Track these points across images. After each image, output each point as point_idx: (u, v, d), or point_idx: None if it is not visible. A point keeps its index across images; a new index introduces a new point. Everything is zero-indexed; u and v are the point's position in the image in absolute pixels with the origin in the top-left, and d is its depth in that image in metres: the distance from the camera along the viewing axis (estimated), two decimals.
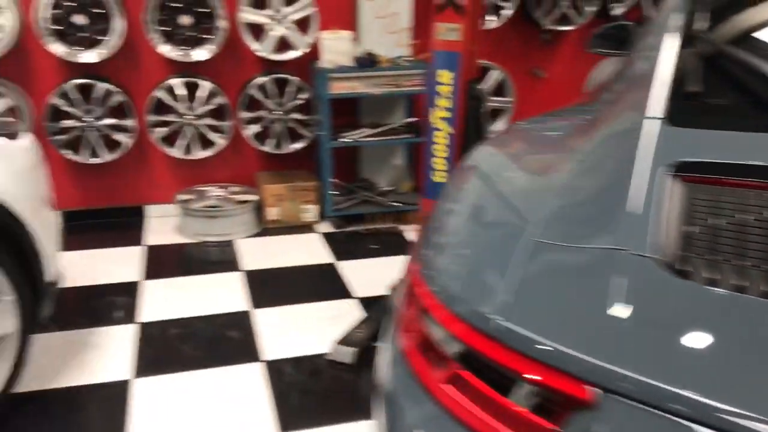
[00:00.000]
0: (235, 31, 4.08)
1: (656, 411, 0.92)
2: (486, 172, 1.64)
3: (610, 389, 0.95)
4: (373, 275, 3.63)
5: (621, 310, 1.03)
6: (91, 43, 3.90)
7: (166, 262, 3.87)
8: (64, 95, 3.98)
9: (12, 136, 2.48)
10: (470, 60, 2.97)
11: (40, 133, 3.85)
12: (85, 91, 4.00)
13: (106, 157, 4.15)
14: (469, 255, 1.34)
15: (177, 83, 4.12)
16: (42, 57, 3.99)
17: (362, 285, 3.55)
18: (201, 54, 4.05)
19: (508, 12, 4.51)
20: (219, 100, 4.19)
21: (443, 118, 3.01)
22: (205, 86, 4.15)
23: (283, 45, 4.17)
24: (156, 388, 2.66)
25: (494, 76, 4.64)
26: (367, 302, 3.34)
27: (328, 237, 4.22)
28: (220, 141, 4.29)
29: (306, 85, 4.30)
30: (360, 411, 2.57)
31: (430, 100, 3.02)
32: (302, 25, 4.17)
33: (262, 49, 4.14)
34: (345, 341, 2.91)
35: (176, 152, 4.26)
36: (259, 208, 4.32)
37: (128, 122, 4.12)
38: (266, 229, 4.32)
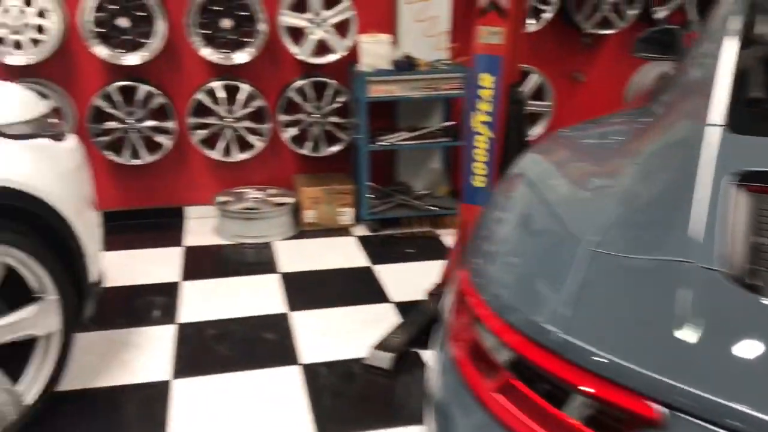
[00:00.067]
0: (274, 35, 4.10)
1: None
2: (534, 180, 1.61)
3: (678, 408, 0.92)
4: (410, 280, 3.61)
5: (688, 326, 1.00)
6: (133, 46, 3.95)
7: (204, 263, 3.90)
8: (107, 97, 4.04)
9: (58, 137, 2.52)
10: (512, 64, 2.94)
11: (83, 134, 3.90)
12: (127, 93, 4.06)
13: (147, 158, 4.20)
14: (521, 264, 1.31)
15: (217, 86, 4.15)
16: (86, 59, 4.05)
17: (398, 289, 3.53)
18: (241, 57, 4.07)
19: (548, 15, 4.46)
20: (258, 103, 4.22)
21: (484, 123, 2.97)
22: (244, 89, 4.17)
23: (322, 48, 4.18)
24: (195, 389, 2.68)
25: (533, 79, 4.59)
26: (404, 307, 3.32)
27: (364, 240, 4.21)
28: (258, 143, 4.32)
29: (344, 88, 4.30)
30: (398, 417, 2.56)
31: (471, 104, 2.99)
32: (341, 28, 4.17)
33: (301, 52, 4.15)
34: (382, 346, 2.89)
35: (215, 154, 4.30)
36: (296, 211, 4.33)
37: (169, 124, 4.16)
38: (303, 231, 4.32)
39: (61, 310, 2.38)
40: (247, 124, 4.26)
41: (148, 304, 3.39)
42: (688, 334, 0.99)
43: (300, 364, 2.86)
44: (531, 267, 1.28)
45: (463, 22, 4.29)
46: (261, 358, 2.90)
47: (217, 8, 3.97)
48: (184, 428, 2.45)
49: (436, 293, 3.18)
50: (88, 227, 2.52)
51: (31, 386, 2.36)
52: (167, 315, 3.26)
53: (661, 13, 4.61)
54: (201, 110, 4.20)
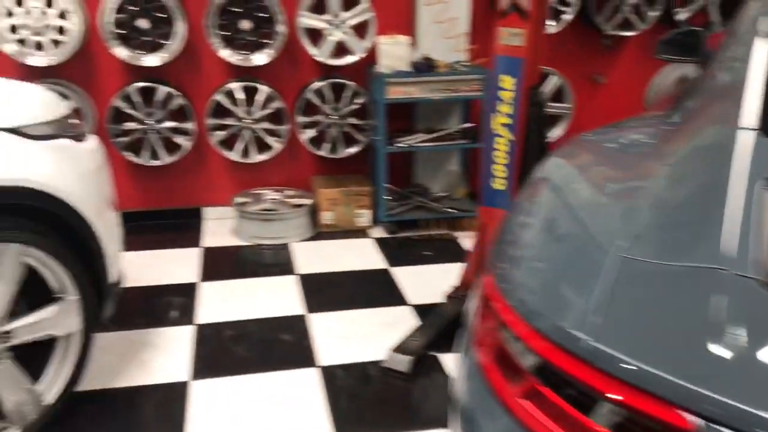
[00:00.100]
0: (293, 36, 4.10)
1: None
2: (558, 185, 1.59)
3: (714, 419, 0.90)
4: (427, 282, 3.59)
5: (723, 334, 0.97)
6: (153, 47, 3.96)
7: (222, 264, 3.91)
8: (127, 98, 4.05)
9: (79, 138, 2.52)
10: (533, 65, 2.91)
11: (102, 135, 3.91)
12: (146, 94, 4.08)
13: (166, 159, 4.21)
14: (547, 269, 1.29)
15: (236, 87, 4.16)
16: (106, 60, 4.07)
17: (416, 292, 3.51)
18: (260, 58, 4.08)
19: (568, 16, 4.42)
20: (276, 104, 4.22)
21: (504, 125, 2.95)
22: (263, 90, 4.18)
23: (341, 50, 4.17)
24: (213, 391, 2.68)
25: (553, 81, 4.56)
26: (422, 310, 3.30)
27: (381, 242, 4.20)
28: (276, 145, 4.32)
29: (362, 89, 4.29)
30: (417, 421, 2.55)
31: (491, 105, 2.97)
32: (360, 29, 4.16)
33: (319, 53, 4.15)
34: (400, 349, 2.88)
35: (234, 155, 4.30)
36: (313, 212, 4.32)
37: (188, 125, 4.18)
38: (320, 233, 4.32)
39: (81, 311, 2.39)
40: (266, 125, 4.26)
41: (167, 304, 3.40)
42: (724, 343, 0.97)
43: (318, 367, 2.85)
44: (558, 272, 1.26)
45: (482, 24, 4.27)
46: (279, 360, 2.90)
47: (237, 10, 3.98)
48: (202, 430, 2.45)
49: (455, 296, 3.17)
50: (108, 228, 2.53)
51: (51, 386, 2.37)
52: (186, 315, 3.27)
53: (682, 14, 4.56)
54: (220, 111, 4.21)
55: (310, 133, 4.35)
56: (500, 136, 2.97)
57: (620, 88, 4.77)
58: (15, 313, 2.24)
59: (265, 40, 4.06)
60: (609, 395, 1.02)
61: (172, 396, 2.64)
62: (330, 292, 3.54)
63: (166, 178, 4.41)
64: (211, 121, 4.21)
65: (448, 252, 4.03)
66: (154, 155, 4.21)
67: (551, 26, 4.40)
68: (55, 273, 2.30)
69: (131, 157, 4.19)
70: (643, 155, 1.55)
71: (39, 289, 2.31)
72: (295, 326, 3.18)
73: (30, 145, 2.26)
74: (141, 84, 4.05)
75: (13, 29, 3.78)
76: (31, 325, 2.28)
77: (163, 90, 4.07)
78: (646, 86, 4.78)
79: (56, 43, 3.84)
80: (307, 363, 2.88)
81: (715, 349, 0.97)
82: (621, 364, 1.02)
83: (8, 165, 2.17)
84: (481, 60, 4.18)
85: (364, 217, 4.36)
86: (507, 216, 1.58)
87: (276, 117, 4.26)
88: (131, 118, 4.10)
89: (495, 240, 1.54)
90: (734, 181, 1.22)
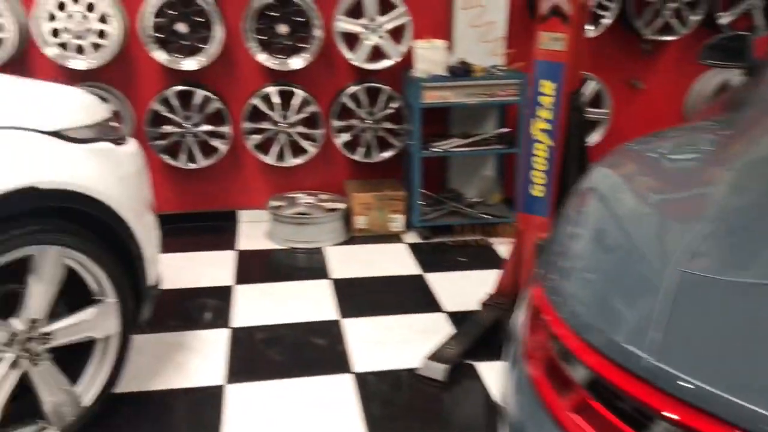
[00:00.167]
0: (329, 40, 4.10)
1: None
2: (606, 195, 1.55)
3: None
4: (462, 289, 3.55)
5: None
6: (191, 51, 3.99)
7: (257, 268, 3.91)
8: (165, 101, 4.09)
9: (119, 141, 2.54)
10: (574, 71, 2.87)
11: (141, 138, 3.95)
12: (184, 97, 4.11)
13: (203, 162, 4.24)
14: (599, 281, 1.26)
15: (272, 91, 4.17)
16: (145, 64, 4.12)
17: (451, 298, 3.48)
18: (296, 62, 4.08)
19: (607, 21, 4.36)
20: (312, 108, 4.22)
21: (544, 130, 2.91)
22: (299, 95, 4.18)
23: (377, 54, 4.16)
24: (248, 394, 2.67)
25: (591, 86, 4.49)
26: (457, 317, 3.26)
27: (415, 248, 4.17)
28: (311, 149, 4.32)
29: (397, 94, 4.27)
30: (452, 430, 2.51)
31: (530, 111, 2.93)
32: (396, 34, 4.15)
33: (355, 58, 4.14)
34: (436, 357, 2.85)
35: (269, 159, 4.31)
36: (347, 217, 4.31)
37: (224, 129, 4.20)
38: (353, 237, 4.31)
39: (120, 313, 2.40)
40: (301, 129, 4.27)
41: (202, 307, 3.41)
42: None
43: (353, 373, 2.83)
44: (610, 285, 1.23)
45: (519, 28, 4.23)
46: (313, 365, 2.89)
47: (274, 14, 3.99)
48: None
49: (490, 303, 3.13)
50: (146, 230, 2.54)
51: (89, 388, 2.38)
52: (221, 318, 3.28)
53: (725, 18, 4.46)
54: (256, 115, 4.22)
55: (345, 137, 4.34)
56: (539, 141, 2.93)
57: (659, 94, 4.69)
58: (55, 314, 2.26)
59: (301, 45, 4.06)
60: (665, 413, 0.99)
61: (208, 399, 2.65)
62: (364, 297, 3.52)
63: (203, 181, 4.44)
64: (247, 125, 4.23)
65: (483, 258, 3.99)
66: (191, 158, 4.24)
67: (590, 30, 4.34)
68: (94, 275, 2.32)
69: (169, 160, 4.22)
70: (697, 165, 1.50)
71: (78, 291, 2.33)
72: (329, 331, 3.17)
73: (71, 148, 2.27)
74: (179, 87, 4.09)
75: (55, 33, 3.84)
76: (71, 327, 2.30)
77: (200, 94, 4.09)
78: (686, 92, 4.69)
79: (96, 46, 3.89)
80: (342, 369, 2.86)
81: None
82: (679, 382, 0.98)
83: (50, 168, 2.18)
84: (518, 64, 4.14)
85: (397, 222, 4.34)
86: (555, 226, 1.54)
87: (311, 121, 4.27)
88: (169, 122, 4.14)
89: (543, 251, 1.51)
90: None
